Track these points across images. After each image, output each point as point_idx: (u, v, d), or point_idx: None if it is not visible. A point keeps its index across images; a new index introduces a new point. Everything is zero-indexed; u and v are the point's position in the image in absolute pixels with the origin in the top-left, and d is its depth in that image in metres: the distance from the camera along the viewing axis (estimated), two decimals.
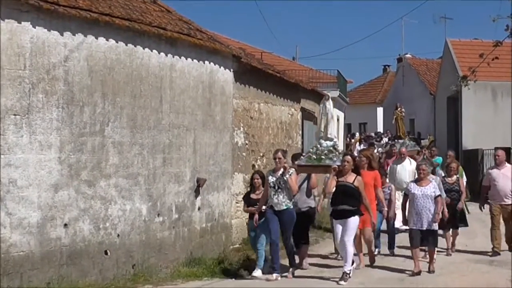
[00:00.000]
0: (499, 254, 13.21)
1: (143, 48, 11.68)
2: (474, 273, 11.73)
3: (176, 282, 10.79)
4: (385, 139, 28.25)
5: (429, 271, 11.67)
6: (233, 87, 14.76)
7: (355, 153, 30.79)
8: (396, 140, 21.41)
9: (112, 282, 10.60)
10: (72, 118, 10.32)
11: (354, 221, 11.02)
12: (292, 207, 11.45)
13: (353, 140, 37.88)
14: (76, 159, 10.37)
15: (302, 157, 12.74)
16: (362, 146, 29.38)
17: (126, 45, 11.31)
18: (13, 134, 9.54)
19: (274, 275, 11.17)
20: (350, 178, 11.21)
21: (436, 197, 11.67)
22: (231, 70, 14.63)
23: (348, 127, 45.26)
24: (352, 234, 11.00)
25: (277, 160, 11.50)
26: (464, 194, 13.93)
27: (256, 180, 12.16)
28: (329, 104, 12.89)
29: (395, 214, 13.67)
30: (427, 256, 12.08)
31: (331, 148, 12.36)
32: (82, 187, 10.46)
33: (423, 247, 12.04)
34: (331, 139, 12.53)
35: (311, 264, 12.47)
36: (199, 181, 13.09)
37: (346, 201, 11.03)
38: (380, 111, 48.89)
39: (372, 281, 11.16)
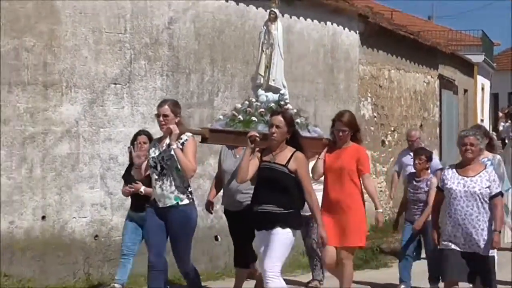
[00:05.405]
0: None
1: (256, 8, 11.66)
2: None
3: None
4: None
5: None
6: (359, 51, 14.64)
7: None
8: None
9: (222, 271, 10.73)
10: (178, 87, 10.47)
11: (282, 236, 7.07)
12: (187, 203, 7.52)
13: (500, 114, 36.50)
14: None
15: (221, 117, 8.19)
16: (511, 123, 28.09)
17: (237, 4, 11.37)
18: (114, 105, 9.82)
19: None
20: (282, 156, 7.13)
21: (492, 197, 7.36)
22: (357, 32, 14.49)
23: (494, 98, 44.02)
24: (277, 257, 7.06)
25: (161, 119, 7.45)
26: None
27: (143, 143, 8.55)
28: (276, 28, 8.15)
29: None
30: None
31: (273, 105, 7.86)
32: None
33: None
34: (276, 90, 7.98)
35: None
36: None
37: (272, 198, 7.08)
38: None
39: None
